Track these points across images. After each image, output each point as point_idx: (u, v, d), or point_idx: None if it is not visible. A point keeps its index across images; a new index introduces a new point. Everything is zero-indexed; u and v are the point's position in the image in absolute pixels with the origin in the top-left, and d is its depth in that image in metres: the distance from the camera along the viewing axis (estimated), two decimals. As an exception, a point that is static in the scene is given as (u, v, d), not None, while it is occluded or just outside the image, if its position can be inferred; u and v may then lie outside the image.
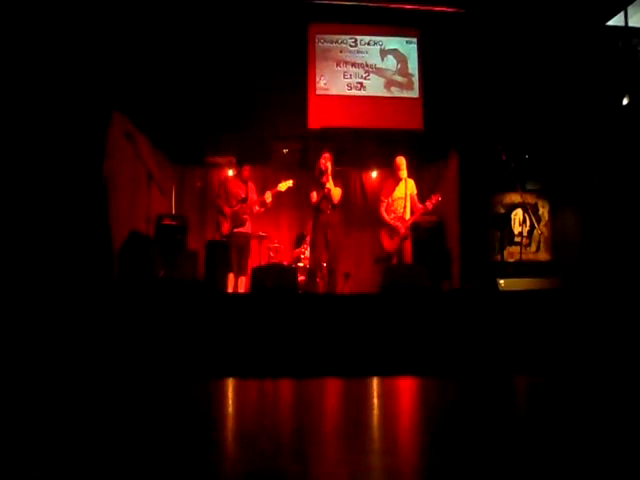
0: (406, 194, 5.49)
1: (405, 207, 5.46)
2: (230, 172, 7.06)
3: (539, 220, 6.88)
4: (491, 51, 6.47)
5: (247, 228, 5.69)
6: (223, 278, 5.62)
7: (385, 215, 5.49)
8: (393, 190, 5.54)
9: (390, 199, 5.52)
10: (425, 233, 6.39)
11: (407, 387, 2.99)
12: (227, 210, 5.62)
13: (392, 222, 5.41)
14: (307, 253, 6.70)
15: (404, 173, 5.49)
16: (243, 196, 5.65)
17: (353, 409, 2.34)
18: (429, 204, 5.37)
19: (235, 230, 5.59)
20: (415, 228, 5.82)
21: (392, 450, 1.61)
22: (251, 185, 5.80)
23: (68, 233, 4.37)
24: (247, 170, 5.74)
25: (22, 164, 4.23)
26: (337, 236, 5.25)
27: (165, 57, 6.10)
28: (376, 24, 6.82)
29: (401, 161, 5.51)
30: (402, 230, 5.35)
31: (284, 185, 5.59)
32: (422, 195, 5.60)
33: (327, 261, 5.32)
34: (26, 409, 2.17)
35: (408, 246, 5.42)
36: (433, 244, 6.42)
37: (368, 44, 6.91)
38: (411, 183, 5.57)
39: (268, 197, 5.55)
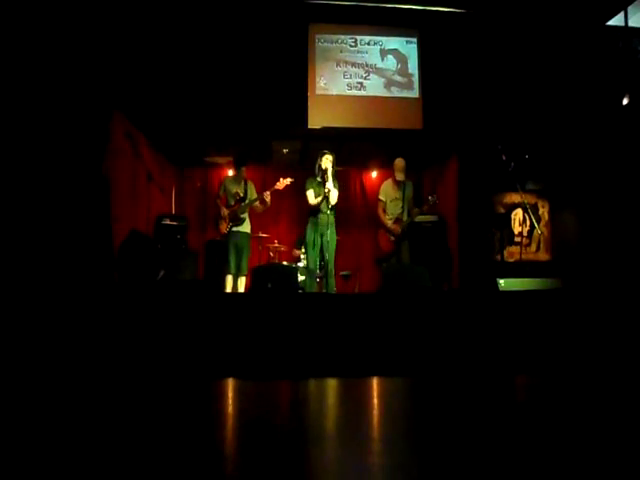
0: (404, 195, 5.49)
1: (403, 208, 5.47)
2: (230, 172, 7.07)
3: (539, 220, 6.88)
4: (491, 51, 6.47)
5: (246, 228, 5.68)
6: (223, 278, 5.62)
7: (383, 216, 5.49)
8: (391, 191, 5.55)
9: (388, 200, 5.53)
10: (425, 233, 6.40)
11: (407, 387, 2.99)
12: (225, 210, 5.62)
13: (389, 225, 5.42)
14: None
15: (402, 175, 5.49)
16: (242, 196, 5.65)
17: (353, 409, 2.34)
18: (425, 206, 5.38)
19: (234, 229, 5.59)
20: (415, 228, 5.82)
21: (392, 450, 1.61)
22: (251, 184, 5.80)
23: (69, 232, 4.37)
24: (246, 170, 5.74)
25: (23, 163, 4.24)
26: (333, 236, 5.26)
27: (165, 57, 6.10)
28: (376, 24, 6.82)
29: (400, 163, 5.51)
30: (398, 233, 5.35)
31: (282, 183, 5.58)
32: (421, 195, 5.60)
33: (325, 261, 5.32)
34: (26, 410, 2.17)
35: (406, 247, 5.42)
36: (433, 244, 6.42)
37: (368, 44, 6.91)
38: (409, 184, 5.57)
39: (267, 196, 5.54)
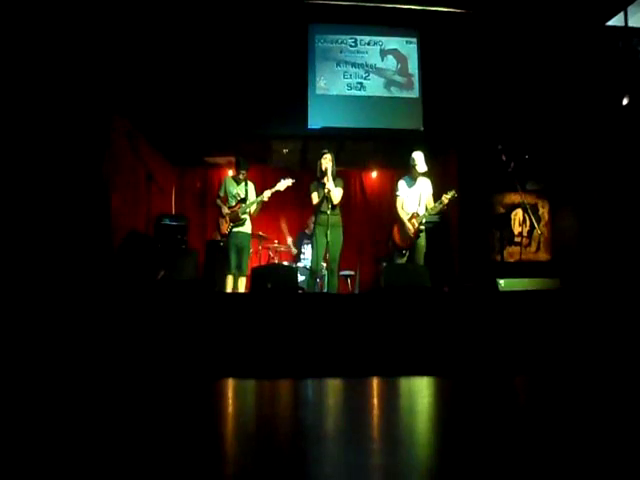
0: (421, 191, 5.42)
1: (420, 204, 5.40)
2: (230, 172, 7.07)
3: (539, 220, 6.88)
4: (491, 51, 6.48)
5: (247, 228, 5.68)
6: (223, 278, 5.62)
7: (401, 212, 5.37)
8: (408, 186, 5.43)
9: (405, 196, 5.42)
10: (428, 233, 6.37)
11: (407, 387, 2.99)
12: (226, 210, 5.62)
13: (405, 220, 5.32)
14: (307, 253, 6.71)
15: (424, 167, 5.33)
16: (242, 196, 5.66)
17: (353, 409, 2.34)
18: (445, 199, 5.24)
19: (234, 230, 5.59)
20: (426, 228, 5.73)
21: (392, 450, 1.61)
22: (251, 185, 5.80)
23: (69, 232, 4.38)
24: (247, 170, 5.74)
25: (25, 165, 4.26)
26: (337, 236, 5.25)
27: (165, 58, 6.11)
28: (376, 24, 6.83)
29: (419, 155, 5.38)
30: (414, 230, 5.28)
31: (283, 184, 5.57)
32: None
33: (327, 261, 5.32)
34: (25, 410, 2.17)
35: (422, 243, 5.36)
36: (436, 244, 6.40)
37: (368, 44, 6.92)
38: (427, 182, 5.48)
39: (267, 196, 5.54)
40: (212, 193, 7.51)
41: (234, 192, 5.67)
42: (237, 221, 5.58)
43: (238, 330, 3.52)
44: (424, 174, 5.40)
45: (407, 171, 5.49)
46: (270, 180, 6.36)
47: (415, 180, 5.43)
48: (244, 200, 5.62)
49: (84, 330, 3.33)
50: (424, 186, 5.45)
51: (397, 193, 5.46)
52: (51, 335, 3.26)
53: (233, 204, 5.64)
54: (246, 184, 5.72)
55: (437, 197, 5.35)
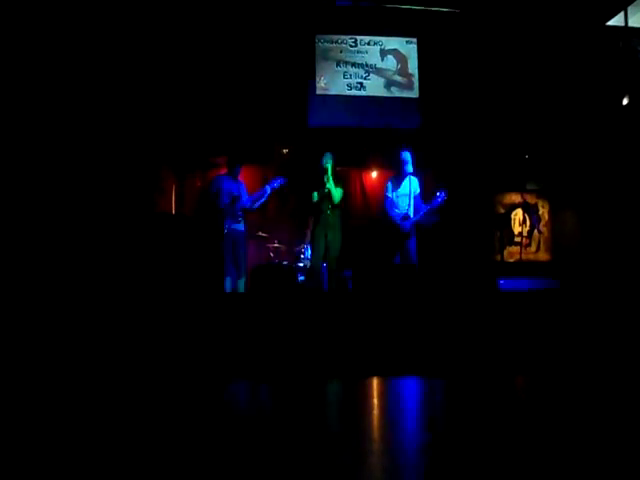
0: (410, 191, 5.40)
1: (410, 205, 5.37)
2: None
3: (539, 220, 6.88)
4: (491, 51, 6.48)
5: (241, 226, 5.65)
6: (222, 278, 5.59)
7: (390, 211, 5.35)
8: (398, 186, 5.41)
9: (395, 195, 5.40)
10: (427, 233, 6.36)
11: (407, 387, 2.99)
12: (220, 208, 5.58)
13: (396, 220, 5.30)
14: (307, 253, 6.70)
15: (410, 167, 5.33)
16: (236, 194, 5.62)
17: (353, 409, 2.34)
18: (435, 201, 5.23)
19: (230, 227, 5.56)
20: (418, 228, 5.74)
21: (392, 450, 1.61)
22: (246, 184, 5.79)
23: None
24: (246, 169, 5.73)
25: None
26: (337, 236, 5.25)
27: (165, 58, 6.11)
28: (376, 24, 6.83)
29: (407, 156, 5.37)
30: (405, 229, 5.26)
31: (277, 183, 5.53)
32: (423, 195, 5.53)
33: (327, 261, 5.32)
34: (31, 409, 2.17)
35: (413, 245, 5.34)
36: (435, 244, 6.40)
37: (368, 44, 6.91)
38: (415, 181, 5.46)
39: (262, 196, 5.51)
40: (208, 191, 7.48)
41: (228, 190, 5.63)
42: (233, 219, 5.55)
43: (237, 330, 3.51)
44: (412, 174, 5.40)
45: (397, 171, 5.47)
46: (270, 180, 6.33)
47: (405, 180, 5.39)
48: (238, 198, 5.59)
49: (83, 330, 3.34)
50: (413, 187, 5.40)
51: (387, 194, 5.43)
52: (47, 336, 3.26)
53: (227, 202, 5.60)
54: (240, 182, 5.70)
55: (431, 196, 5.34)
